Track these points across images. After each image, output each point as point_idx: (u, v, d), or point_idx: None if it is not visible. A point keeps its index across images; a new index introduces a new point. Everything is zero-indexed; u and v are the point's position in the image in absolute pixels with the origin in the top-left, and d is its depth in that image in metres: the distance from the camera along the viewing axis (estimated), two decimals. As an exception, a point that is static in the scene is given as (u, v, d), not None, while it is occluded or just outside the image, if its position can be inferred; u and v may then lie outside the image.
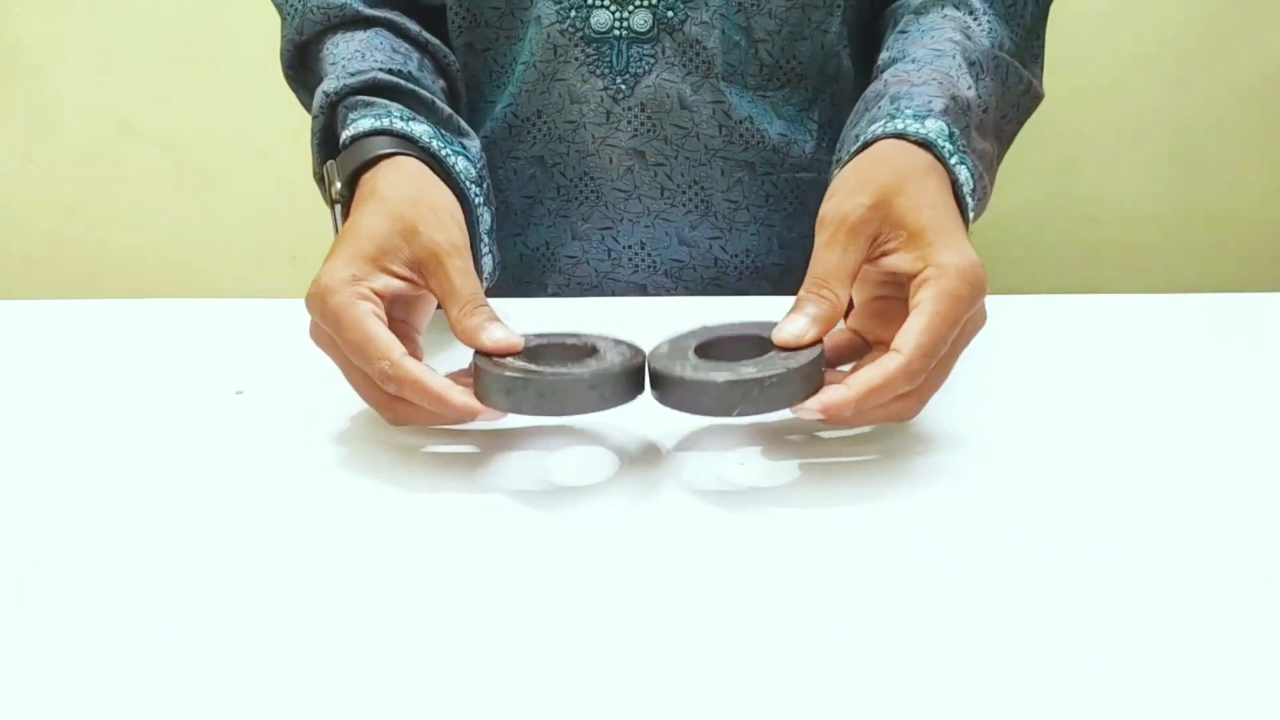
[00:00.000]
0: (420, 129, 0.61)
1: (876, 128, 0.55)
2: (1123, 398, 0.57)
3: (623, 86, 0.70)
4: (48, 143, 1.41)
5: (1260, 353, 0.61)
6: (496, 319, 0.51)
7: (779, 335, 0.48)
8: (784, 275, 0.76)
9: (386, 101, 0.62)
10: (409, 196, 0.55)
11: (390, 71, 0.64)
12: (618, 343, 0.52)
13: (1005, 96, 0.64)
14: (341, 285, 0.50)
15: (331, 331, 0.50)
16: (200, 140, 1.41)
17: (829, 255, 0.50)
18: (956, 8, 0.65)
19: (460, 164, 0.62)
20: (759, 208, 0.74)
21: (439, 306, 0.55)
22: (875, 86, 0.60)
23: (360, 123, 0.60)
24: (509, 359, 0.49)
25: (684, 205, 0.73)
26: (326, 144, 0.65)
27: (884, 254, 0.50)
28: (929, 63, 0.60)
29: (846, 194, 0.51)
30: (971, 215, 0.56)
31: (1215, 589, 0.42)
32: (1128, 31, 1.31)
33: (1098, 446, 0.52)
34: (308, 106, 0.76)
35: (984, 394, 0.57)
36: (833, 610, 0.42)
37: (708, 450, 0.52)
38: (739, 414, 0.47)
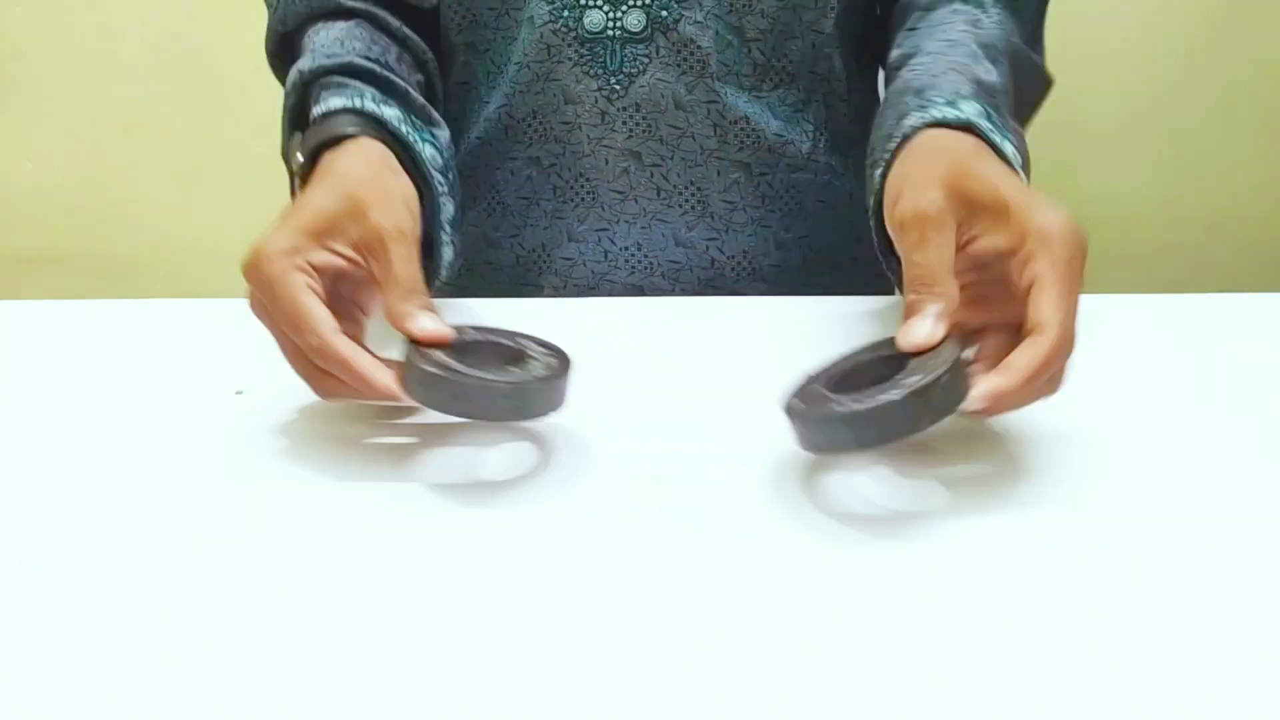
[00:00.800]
0: (391, 112, 0.61)
1: (912, 120, 0.55)
2: (1122, 398, 0.57)
3: (617, 87, 0.70)
4: (48, 143, 1.42)
5: (1260, 353, 0.61)
6: (430, 309, 0.51)
7: (909, 341, 0.46)
8: (781, 276, 0.76)
9: (361, 84, 0.63)
10: (364, 178, 0.55)
11: (366, 58, 0.64)
12: (549, 352, 0.52)
13: (1020, 80, 0.64)
14: (279, 255, 0.50)
15: (266, 300, 0.51)
16: (200, 140, 1.41)
17: (924, 254, 0.48)
18: (965, 1, 0.66)
19: (428, 151, 0.62)
20: (755, 208, 0.74)
21: None
22: (895, 85, 0.60)
23: (332, 100, 0.61)
24: (437, 353, 0.49)
25: (680, 206, 0.73)
26: (296, 123, 0.65)
27: (971, 240, 0.49)
28: (944, 54, 0.60)
29: (915, 192, 0.50)
30: None
31: (1215, 589, 0.43)
32: (1128, 32, 1.31)
33: (1096, 446, 0.52)
34: None
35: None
36: (833, 610, 0.42)
37: (707, 450, 0.52)
38: (928, 423, 0.44)
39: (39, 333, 0.66)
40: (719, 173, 0.73)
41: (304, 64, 0.64)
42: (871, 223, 0.58)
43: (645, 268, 0.75)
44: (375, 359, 0.50)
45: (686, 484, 0.50)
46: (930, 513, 0.48)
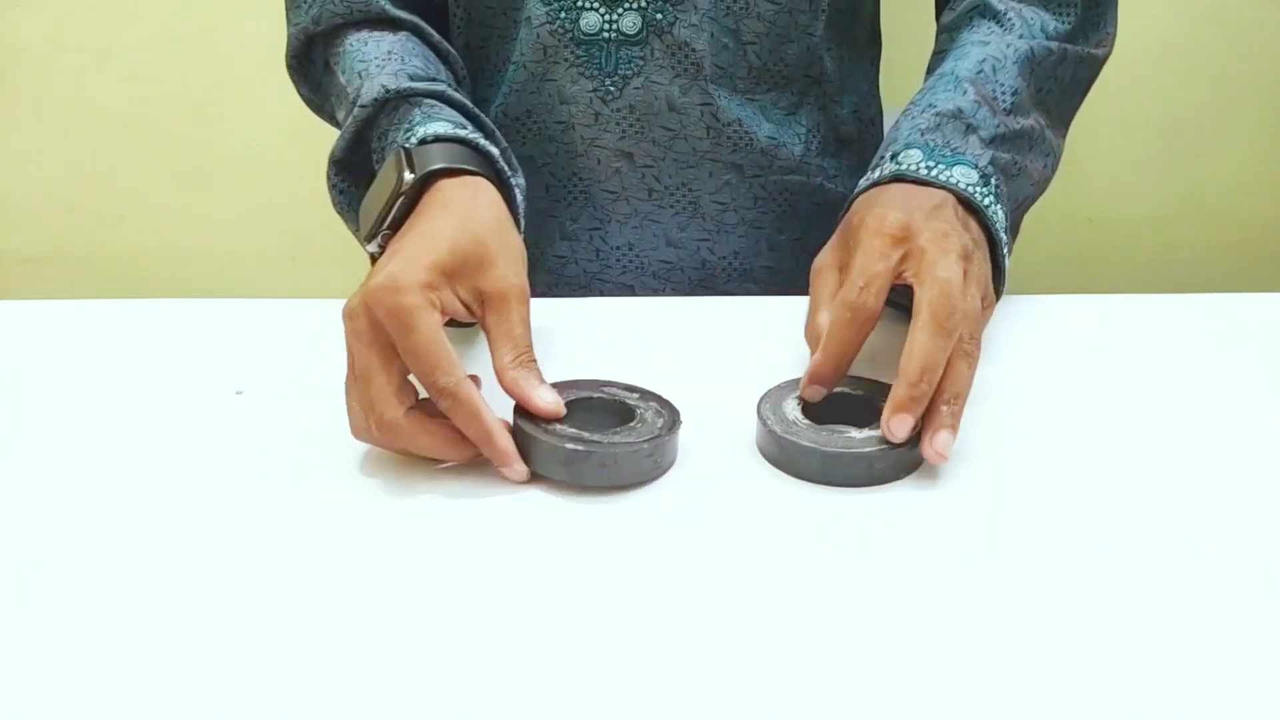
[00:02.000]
0: (495, 151, 0.60)
1: (863, 183, 0.60)
2: (1122, 398, 0.57)
3: (611, 88, 0.71)
4: (48, 143, 1.42)
5: (1260, 353, 0.61)
6: (542, 378, 0.51)
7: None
8: (772, 277, 0.76)
9: (454, 112, 0.62)
10: (490, 224, 0.54)
11: (452, 86, 0.64)
12: (639, 395, 0.53)
13: (1036, 72, 0.65)
14: (417, 288, 0.49)
15: (394, 330, 0.48)
16: (200, 140, 1.41)
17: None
18: (982, 15, 0.66)
19: (518, 197, 0.62)
20: (747, 210, 0.75)
21: (447, 323, 0.55)
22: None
23: (435, 125, 0.59)
24: (554, 424, 0.49)
25: (672, 207, 0.74)
26: (361, 135, 0.64)
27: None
28: (930, 89, 0.63)
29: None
30: (996, 192, 0.59)
31: (1215, 589, 0.43)
32: (1127, 31, 1.31)
33: (1097, 446, 0.53)
34: (307, 99, 0.75)
35: (984, 393, 0.57)
36: (833, 610, 0.42)
37: (709, 450, 0.53)
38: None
39: (39, 333, 0.67)
40: (711, 174, 0.73)
41: (389, 81, 0.62)
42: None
43: (637, 267, 0.75)
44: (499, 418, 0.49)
45: (681, 484, 0.50)
46: (931, 512, 0.48)
